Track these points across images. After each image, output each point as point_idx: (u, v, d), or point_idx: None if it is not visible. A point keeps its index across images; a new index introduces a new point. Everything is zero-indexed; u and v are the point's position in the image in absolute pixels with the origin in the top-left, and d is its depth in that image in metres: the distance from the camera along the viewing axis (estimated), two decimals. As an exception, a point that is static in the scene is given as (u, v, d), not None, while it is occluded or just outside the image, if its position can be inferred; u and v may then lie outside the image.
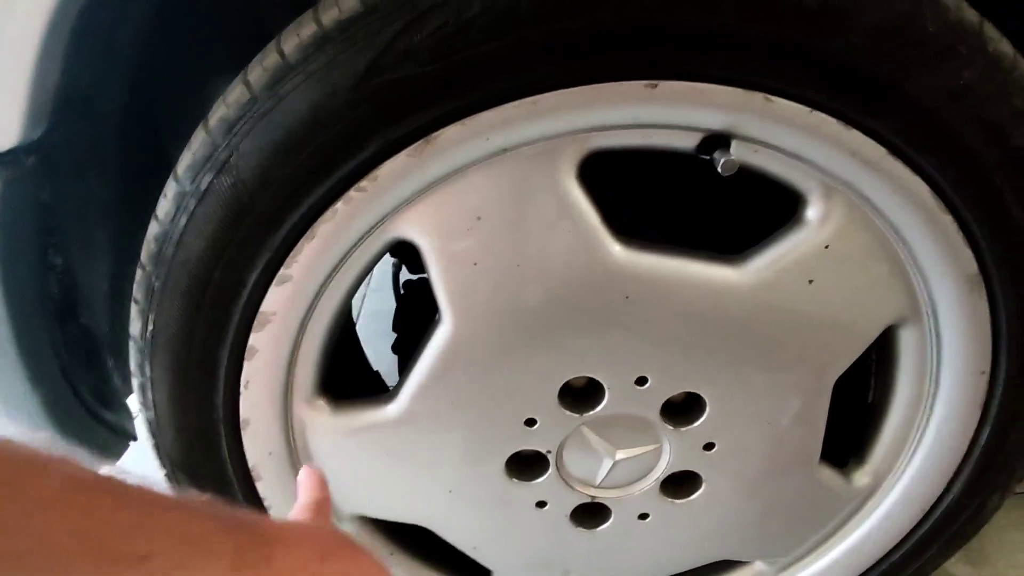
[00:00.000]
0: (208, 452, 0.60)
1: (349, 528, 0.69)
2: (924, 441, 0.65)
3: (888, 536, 0.70)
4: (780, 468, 0.64)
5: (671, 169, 0.57)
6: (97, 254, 0.68)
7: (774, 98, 0.45)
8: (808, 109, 0.46)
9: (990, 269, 0.53)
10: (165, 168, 0.54)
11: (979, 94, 0.46)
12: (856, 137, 0.47)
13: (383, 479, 0.65)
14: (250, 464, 0.61)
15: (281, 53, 0.45)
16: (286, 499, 0.64)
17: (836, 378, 0.60)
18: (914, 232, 0.51)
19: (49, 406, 0.66)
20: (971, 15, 0.45)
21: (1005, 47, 0.45)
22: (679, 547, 0.70)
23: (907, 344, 0.60)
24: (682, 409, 0.62)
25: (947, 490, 0.66)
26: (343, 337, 0.64)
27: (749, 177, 0.53)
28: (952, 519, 0.68)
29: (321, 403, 0.62)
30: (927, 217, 0.51)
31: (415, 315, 0.65)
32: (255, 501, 0.64)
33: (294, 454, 0.63)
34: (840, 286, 0.55)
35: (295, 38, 0.45)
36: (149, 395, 0.58)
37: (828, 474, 0.67)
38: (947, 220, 0.51)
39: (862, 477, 0.68)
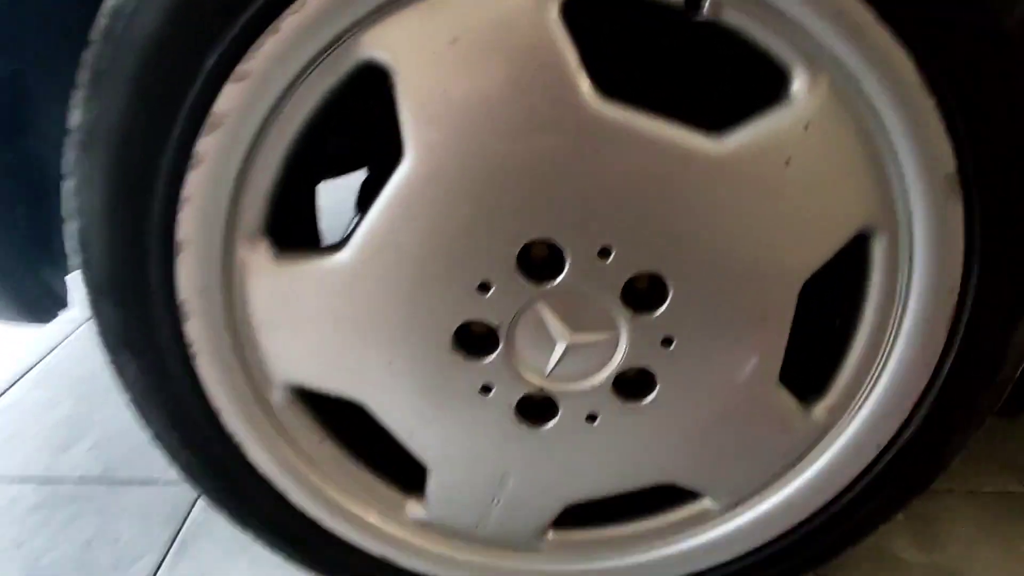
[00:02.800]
0: (136, 277, 0.56)
1: (280, 399, 0.65)
2: (886, 371, 0.62)
3: (841, 478, 0.67)
4: (737, 379, 0.61)
5: (662, 36, 0.55)
6: (56, 67, 0.65)
7: (769, -63, 0.45)
8: (802, -47, 0.45)
9: (968, 170, 0.52)
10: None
11: (975, -39, 0.45)
12: (846, -5, 0.46)
13: (322, 341, 0.61)
14: (179, 298, 0.57)
15: None
16: (213, 348, 0.60)
17: (802, 281, 0.58)
18: (894, 117, 0.50)
19: None
20: None
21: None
22: (625, 460, 0.66)
23: (879, 256, 0.58)
24: (644, 297, 0.59)
25: (904, 427, 0.64)
26: (300, 183, 0.61)
27: (737, 52, 0.52)
28: (907, 459, 0.65)
29: (265, 246, 0.58)
30: (910, 99, 0.49)
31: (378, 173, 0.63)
32: (180, 345, 0.60)
33: (229, 300, 0.59)
34: (817, 171, 0.53)
35: None
36: (80, 199, 0.54)
37: (786, 399, 0.64)
38: (930, 105, 0.50)
39: (820, 412, 0.65)
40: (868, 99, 0.51)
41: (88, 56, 0.49)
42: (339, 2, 0.47)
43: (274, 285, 0.59)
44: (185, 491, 0.98)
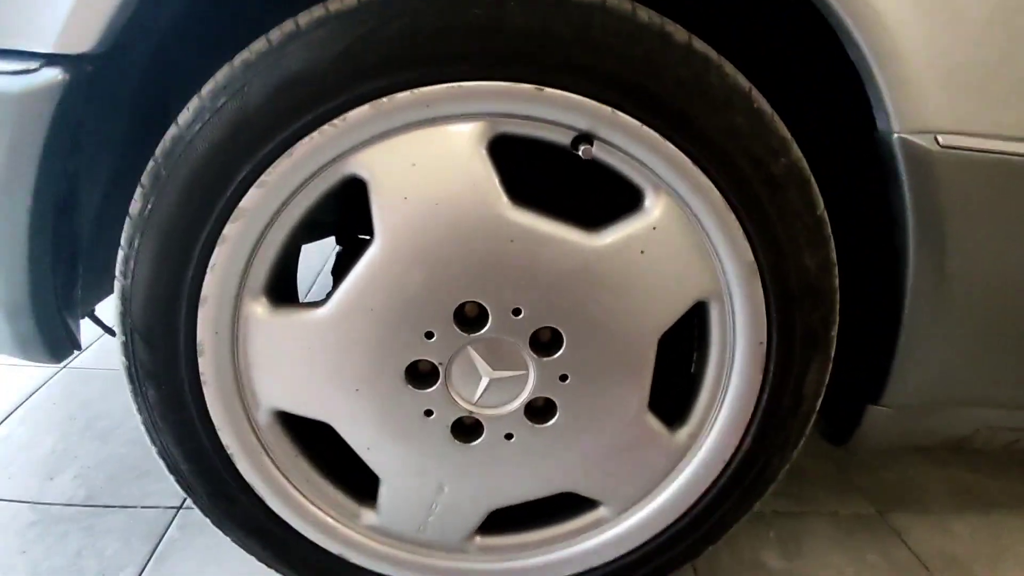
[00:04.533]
0: (167, 322, 0.74)
1: (265, 420, 0.81)
2: (726, 403, 0.85)
3: (699, 485, 0.88)
4: (617, 406, 0.82)
5: (558, 163, 0.78)
6: (99, 172, 0.83)
7: (619, 112, 0.68)
8: (639, 123, 0.69)
9: (760, 257, 0.76)
10: (165, 121, 0.72)
11: (745, 134, 0.70)
12: (671, 148, 0.71)
13: (302, 374, 0.79)
14: (198, 339, 0.75)
15: (296, 23, 0.65)
16: (218, 379, 0.77)
17: (658, 335, 0.80)
18: (711, 223, 0.74)
19: (34, 288, 0.79)
20: (743, 81, 0.70)
21: (765, 106, 0.70)
22: (535, 471, 0.85)
23: (714, 318, 0.81)
24: (546, 345, 0.80)
25: (739, 447, 0.86)
26: (289, 260, 0.80)
27: (608, 174, 0.76)
28: (745, 472, 0.87)
29: (264, 300, 0.77)
30: (719, 213, 0.74)
31: (348, 254, 0.83)
32: (194, 375, 0.76)
33: (234, 338, 0.77)
34: (663, 258, 0.76)
35: (308, 15, 0.66)
36: (131, 265, 0.72)
37: (655, 424, 0.85)
38: (732, 217, 0.74)
39: (682, 435, 0.87)
40: (693, 210, 0.75)
41: (152, 165, 0.69)
42: (336, 136, 0.68)
43: (268, 331, 0.78)
44: (161, 515, 1.11)
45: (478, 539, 0.93)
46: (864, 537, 1.22)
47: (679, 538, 0.91)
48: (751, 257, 0.76)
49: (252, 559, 0.94)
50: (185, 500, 1.14)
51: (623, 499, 0.90)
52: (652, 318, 0.79)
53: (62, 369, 1.54)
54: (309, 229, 1.00)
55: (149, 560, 1.01)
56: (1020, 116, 0.72)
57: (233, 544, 0.93)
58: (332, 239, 1.21)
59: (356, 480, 0.90)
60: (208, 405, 0.79)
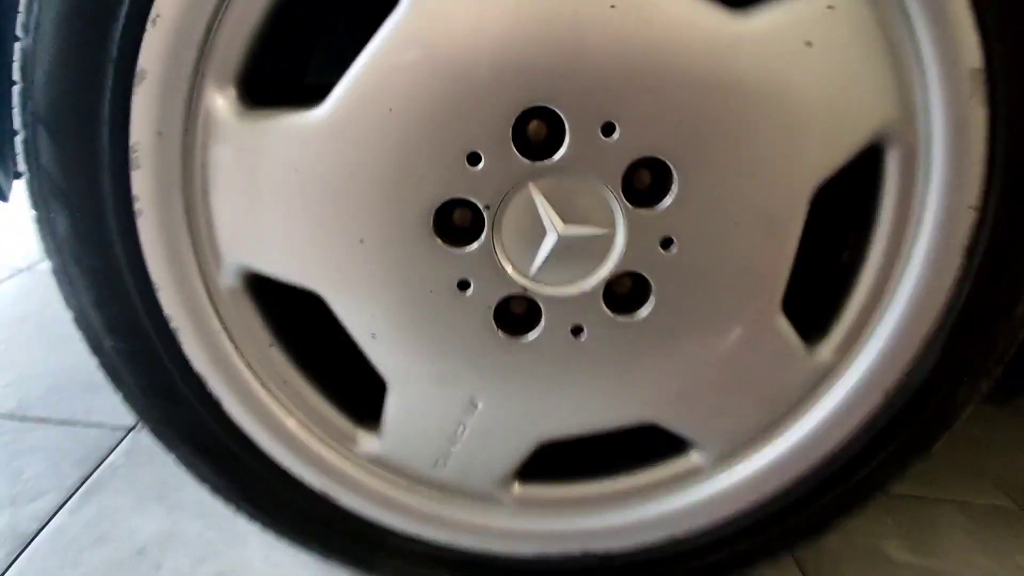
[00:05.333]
0: (86, 106, 0.50)
1: (228, 285, 0.57)
2: (895, 303, 0.58)
3: (841, 426, 0.61)
4: (739, 296, 0.57)
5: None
6: None
7: None
8: None
9: (996, 66, 0.49)
10: None
11: None
12: None
13: (286, 214, 0.54)
14: (131, 140, 0.51)
15: None
16: (160, 209, 0.53)
17: (813, 188, 0.54)
18: (918, 3, 0.48)
19: None
20: None
21: None
22: (609, 388, 0.59)
23: (892, 170, 0.55)
24: (646, 191, 0.54)
25: (914, 368, 0.59)
26: (289, 38, 0.56)
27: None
28: (915, 408, 0.60)
29: (233, 94, 0.52)
30: (939, -16, 0.48)
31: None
32: (124, 198, 0.53)
33: (187, 146, 0.53)
34: (837, 59, 0.50)
35: None
36: (30, 14, 0.48)
37: (787, 330, 0.59)
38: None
39: (822, 351, 0.61)
40: (893, -16, 0.49)
41: None
42: None
43: (237, 141, 0.53)
44: (105, 435, 0.87)
45: (516, 487, 0.68)
46: (1005, 534, 0.95)
47: (806, 503, 0.65)
48: (978, 62, 0.51)
49: (208, 497, 0.70)
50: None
51: (727, 441, 0.64)
52: (810, 156, 0.53)
53: (22, 271, 1.32)
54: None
55: (78, 489, 0.78)
56: None
57: (186, 477, 0.69)
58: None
59: (353, 388, 0.66)
60: (143, 250, 0.54)
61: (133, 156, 0.51)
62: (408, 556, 0.68)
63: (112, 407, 0.90)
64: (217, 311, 0.58)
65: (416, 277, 0.55)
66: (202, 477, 0.64)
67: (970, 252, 0.55)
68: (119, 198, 0.52)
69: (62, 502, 0.76)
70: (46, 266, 1.34)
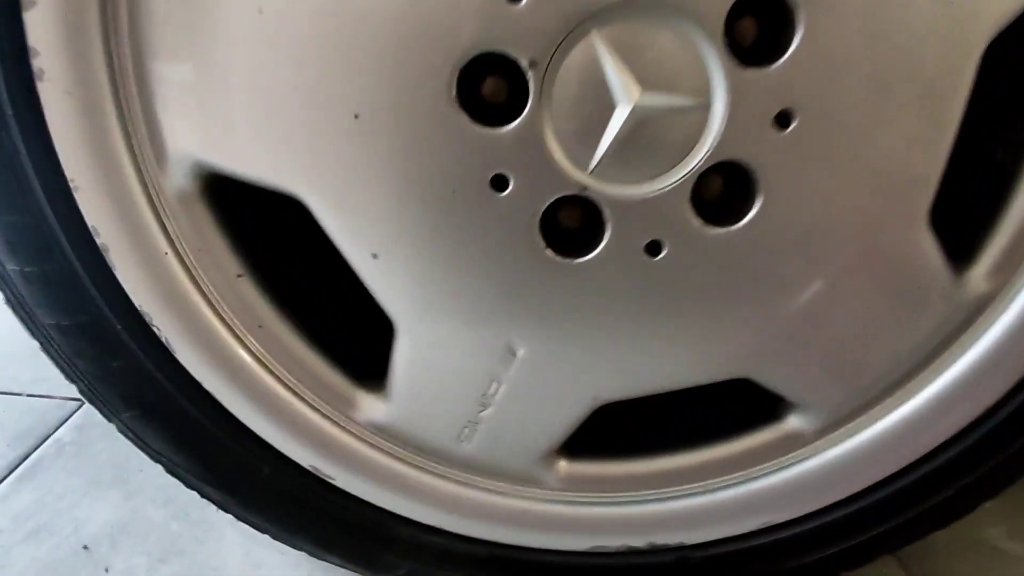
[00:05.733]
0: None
1: (178, 186, 0.42)
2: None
3: (997, 381, 0.47)
4: (874, 199, 0.42)
5: None
6: None
7: None
8: None
9: None
10: None
11: None
12: None
13: (249, 79, 0.40)
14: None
15: None
16: (67, 63, 0.39)
17: (985, 44, 0.39)
18: None
19: None
20: None
21: None
22: (692, 329, 0.45)
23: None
24: (752, 48, 0.40)
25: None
26: None
27: None
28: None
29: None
30: None
31: None
32: (19, 48, 0.38)
33: (108, -17, 0.38)
34: None
35: None
36: None
37: (932, 251, 0.45)
38: None
39: (974, 280, 0.46)
40: None
41: None
42: None
43: (183, -21, 0.39)
44: (54, 406, 0.74)
45: (563, 464, 0.54)
46: None
47: (942, 481, 0.51)
48: None
49: (172, 481, 0.56)
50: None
51: (840, 401, 0.49)
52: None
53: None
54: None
55: (14, 470, 0.64)
56: None
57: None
58: None
59: (354, 342, 0.52)
60: (50, 129, 0.41)
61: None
62: (425, 553, 0.54)
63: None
64: (163, 224, 0.43)
65: (434, 171, 0.40)
66: (154, 451, 0.50)
67: None
68: (10, 52, 0.37)
69: (-7, 485, 0.63)
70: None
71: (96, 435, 0.67)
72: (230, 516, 0.52)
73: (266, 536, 0.54)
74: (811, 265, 0.43)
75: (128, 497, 0.62)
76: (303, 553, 0.54)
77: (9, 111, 0.37)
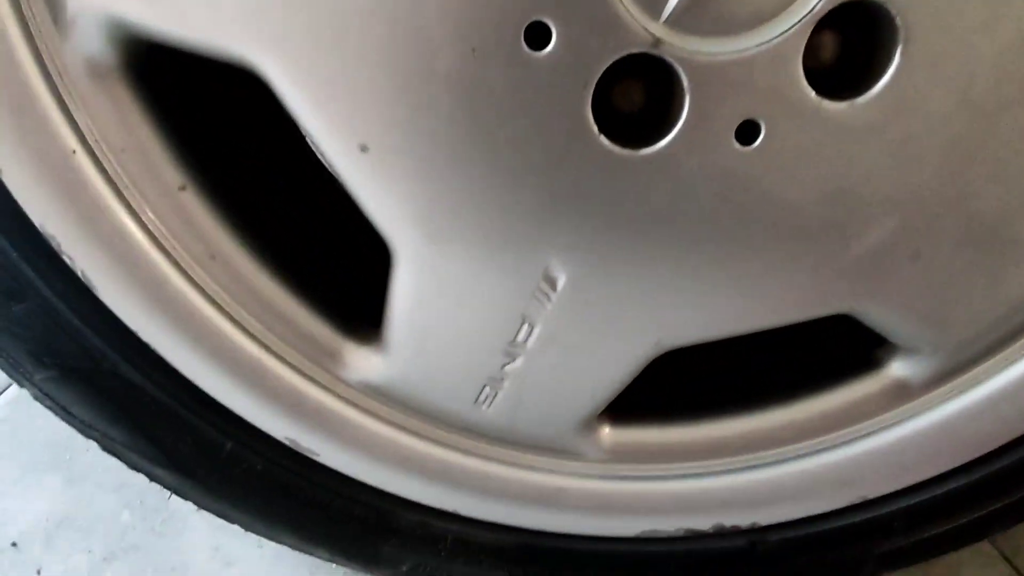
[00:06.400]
0: None
1: (86, 62, 0.31)
2: None
3: None
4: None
5: None
6: None
7: None
8: None
9: None
10: None
11: None
12: None
13: None
14: None
15: None
16: None
17: None
18: None
19: None
20: None
21: None
22: (792, 246, 0.34)
23: None
24: None
25: None
26: None
27: None
28: None
29: None
30: None
31: None
32: None
33: None
34: None
35: None
36: None
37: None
38: None
39: None
40: None
41: None
42: None
43: None
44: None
45: (608, 430, 0.44)
46: None
47: None
48: None
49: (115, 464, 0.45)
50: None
51: (958, 343, 0.40)
52: None
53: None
54: None
55: None
56: None
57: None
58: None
59: (339, 278, 0.41)
60: None
61: None
62: (435, 544, 0.44)
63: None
64: (67, 112, 0.32)
65: (445, 19, 0.29)
66: (82, 424, 0.39)
67: None
68: None
69: None
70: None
71: (37, 411, 0.56)
72: (190, 504, 0.42)
73: (238, 527, 0.44)
74: (951, 158, 0.33)
75: (70, 483, 0.52)
76: (284, 547, 0.44)
77: None
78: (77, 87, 0.31)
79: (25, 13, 0.31)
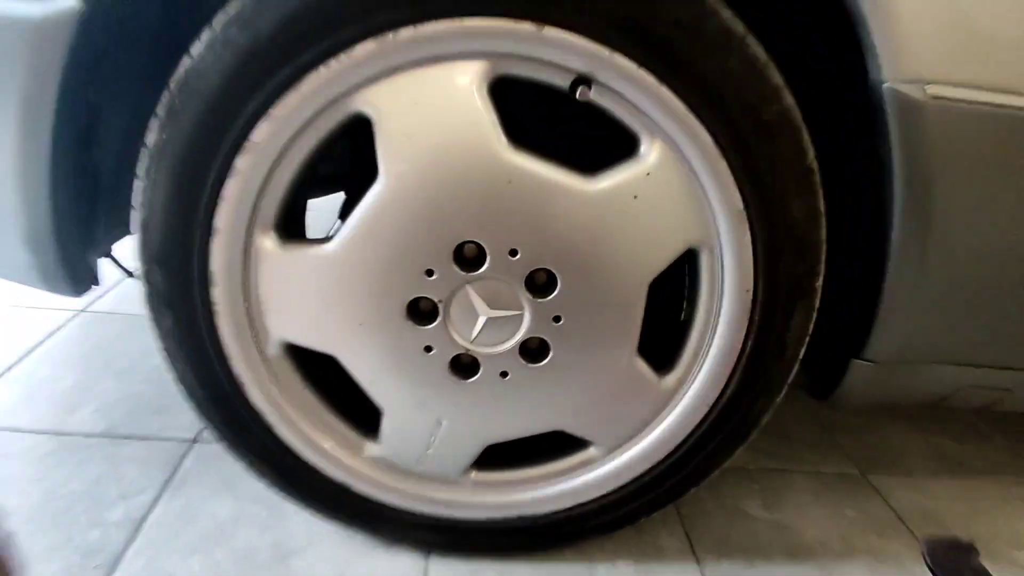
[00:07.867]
0: (183, 251, 0.78)
1: (274, 352, 0.86)
2: (712, 349, 0.88)
3: (684, 428, 0.92)
4: (607, 350, 0.85)
5: (559, 107, 0.81)
6: (121, 105, 0.86)
7: (616, 54, 0.70)
8: (636, 65, 0.71)
9: (749, 205, 0.78)
10: (183, 52, 0.74)
11: (739, 79, 0.72)
12: (666, 92, 0.73)
13: (309, 308, 0.83)
14: (211, 268, 0.79)
15: (304, -38, 0.68)
16: (230, 309, 0.82)
17: (649, 281, 0.82)
18: (703, 170, 0.77)
19: (57, 221, 0.83)
20: (739, 26, 0.71)
21: (759, 52, 0.72)
22: (528, 409, 0.89)
23: (704, 265, 0.84)
24: (541, 286, 0.83)
25: (723, 392, 0.89)
26: (298, 199, 0.84)
27: (606, 121, 0.78)
28: (729, 416, 0.90)
29: (273, 235, 0.81)
30: (710, 160, 0.76)
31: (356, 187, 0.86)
32: (208, 304, 0.81)
33: (246, 270, 0.81)
34: (656, 204, 0.79)
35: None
36: (148, 196, 0.76)
37: (644, 368, 0.89)
38: (723, 164, 0.76)
39: (670, 380, 0.90)
40: (686, 156, 0.77)
41: (166, 96, 0.72)
42: (342, 71, 0.71)
43: (277, 265, 0.82)
44: (177, 446, 1.17)
45: (474, 474, 0.97)
46: (845, 494, 1.26)
47: (664, 478, 0.95)
48: (740, 205, 0.78)
49: (262, 487, 1.00)
50: (200, 432, 1.20)
51: (612, 439, 0.94)
52: (643, 263, 0.82)
53: (81, 312, 1.60)
54: (320, 182, 1.03)
55: (166, 486, 1.07)
56: (1010, 68, 0.73)
57: (244, 473, 0.98)
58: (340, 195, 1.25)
59: (360, 414, 0.95)
60: (220, 334, 0.83)
61: (212, 278, 0.79)
62: (401, 522, 0.98)
63: (179, 424, 1.19)
64: (268, 369, 0.87)
65: (396, 345, 0.84)
66: (261, 476, 0.93)
67: (750, 318, 0.84)
68: (205, 304, 0.80)
69: (158, 495, 1.06)
70: (101, 306, 1.61)
71: (209, 462, 1.10)
72: (297, 507, 0.96)
73: (317, 517, 0.98)
74: (583, 377, 0.86)
75: (237, 499, 1.05)
76: (337, 525, 0.98)
77: (204, 331, 0.80)
78: (270, 361, 0.85)
79: (255, 334, 0.85)
